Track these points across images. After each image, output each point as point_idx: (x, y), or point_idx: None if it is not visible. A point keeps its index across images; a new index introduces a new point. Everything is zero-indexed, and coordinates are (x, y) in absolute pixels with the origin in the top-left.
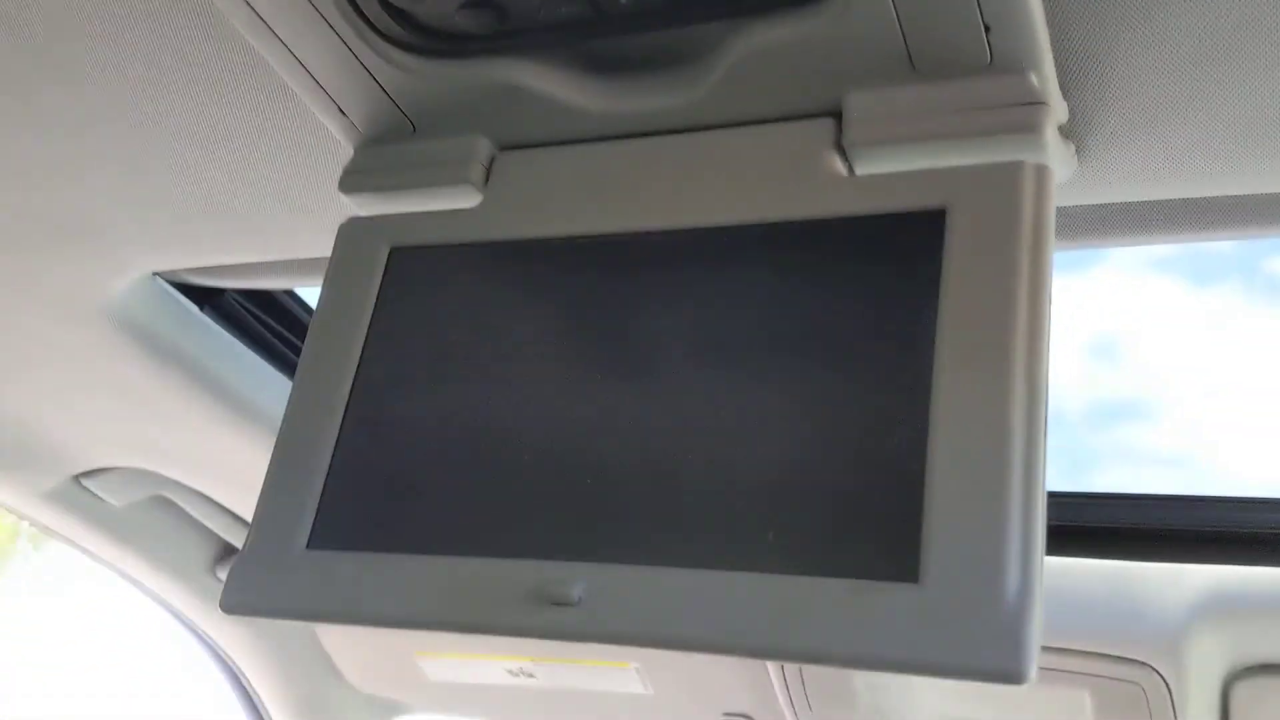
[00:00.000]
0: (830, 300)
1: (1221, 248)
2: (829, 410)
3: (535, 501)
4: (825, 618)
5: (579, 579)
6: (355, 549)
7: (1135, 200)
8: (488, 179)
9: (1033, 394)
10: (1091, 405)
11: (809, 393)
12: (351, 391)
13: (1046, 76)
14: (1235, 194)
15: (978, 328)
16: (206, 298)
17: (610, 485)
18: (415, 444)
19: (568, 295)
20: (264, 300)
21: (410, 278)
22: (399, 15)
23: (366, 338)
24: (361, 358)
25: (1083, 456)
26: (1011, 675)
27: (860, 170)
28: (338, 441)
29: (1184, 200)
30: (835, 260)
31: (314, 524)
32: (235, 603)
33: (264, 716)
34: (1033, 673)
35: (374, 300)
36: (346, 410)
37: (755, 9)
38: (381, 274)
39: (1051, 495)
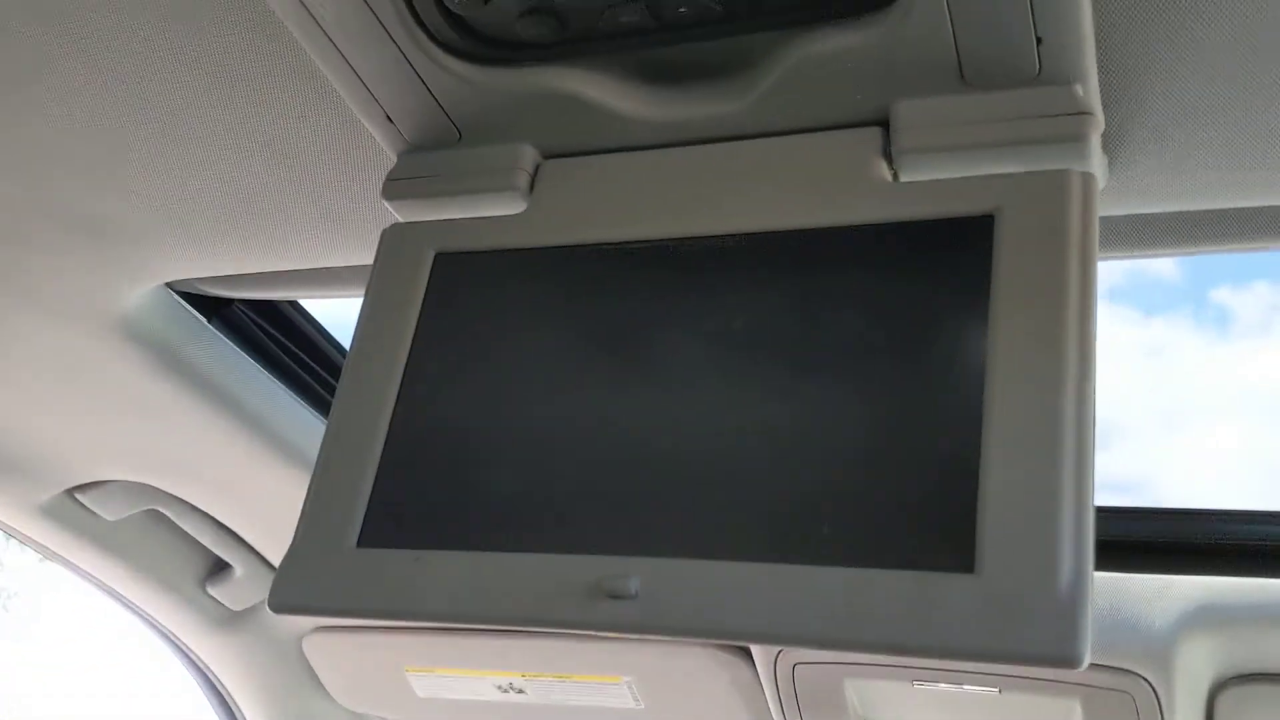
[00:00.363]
0: (881, 301)
1: (1170, 279)
2: (884, 407)
3: (589, 498)
4: (884, 608)
5: (636, 572)
6: (407, 546)
7: (1164, 211)
8: (533, 187)
9: (1083, 393)
10: None
11: (863, 390)
12: (399, 392)
13: (1091, 88)
14: (1261, 205)
15: (1030, 327)
16: (215, 309)
17: (664, 480)
18: (465, 443)
19: (617, 299)
20: (272, 314)
21: (455, 282)
22: (457, 23)
23: (413, 340)
24: (409, 359)
25: None
26: (1067, 659)
27: (906, 177)
28: (387, 440)
29: (1211, 211)
30: (885, 264)
31: (364, 522)
32: (284, 602)
33: None
34: (1088, 657)
35: (420, 304)
36: (395, 410)
37: (813, 18)
38: (427, 278)
39: None
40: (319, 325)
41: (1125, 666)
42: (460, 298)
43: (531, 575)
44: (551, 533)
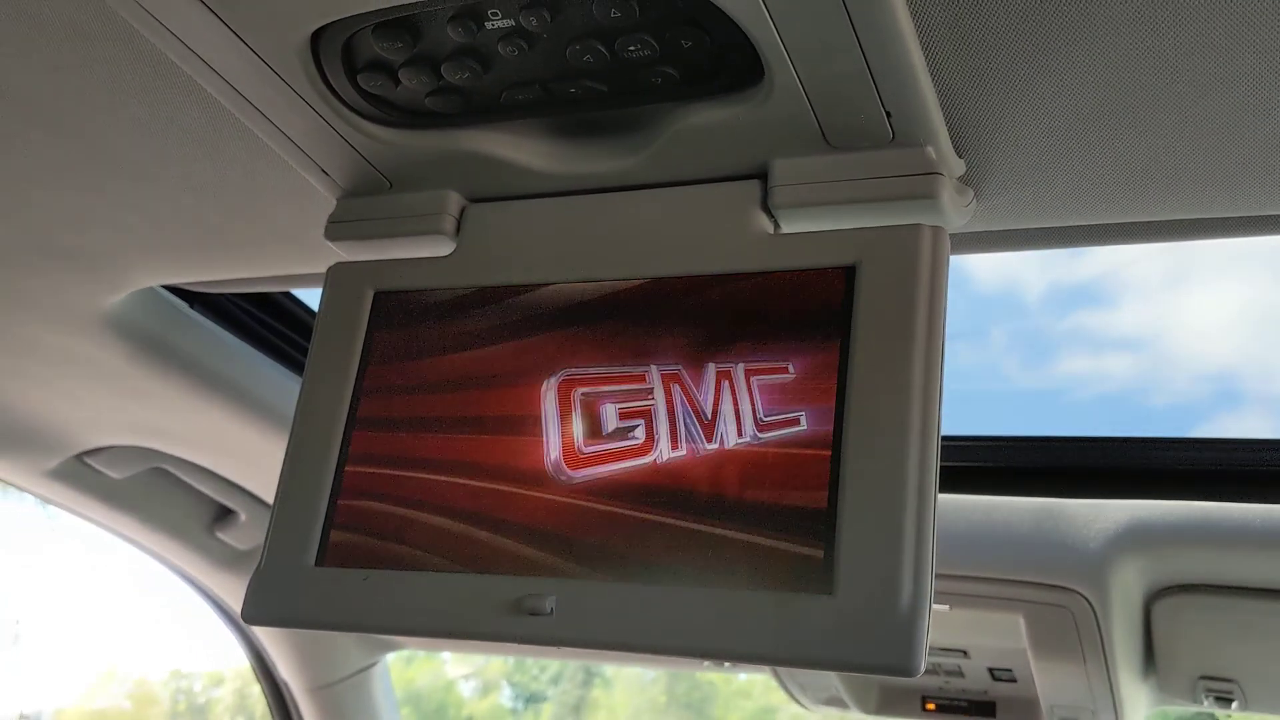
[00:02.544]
0: (756, 345)
1: None
2: (760, 446)
3: (513, 523)
4: (758, 624)
5: (551, 592)
6: (357, 566)
7: (1030, 228)
8: (459, 228)
9: (926, 436)
10: (1051, 290)
11: (745, 426)
12: (347, 423)
13: (942, 147)
14: (1106, 223)
15: (880, 376)
16: (197, 296)
17: (577, 509)
18: (405, 471)
19: (534, 334)
20: (252, 295)
21: (394, 318)
22: (373, 97)
23: (358, 373)
24: (354, 392)
25: (1045, 344)
26: (905, 670)
27: (785, 228)
28: (337, 470)
29: (1074, 227)
30: (763, 307)
31: (320, 545)
32: (255, 615)
33: (264, 655)
34: (922, 667)
35: (363, 339)
36: (343, 439)
37: (687, 96)
38: (368, 315)
39: (982, 440)
40: (295, 298)
41: (1062, 584)
42: (398, 332)
43: (462, 593)
44: (480, 555)
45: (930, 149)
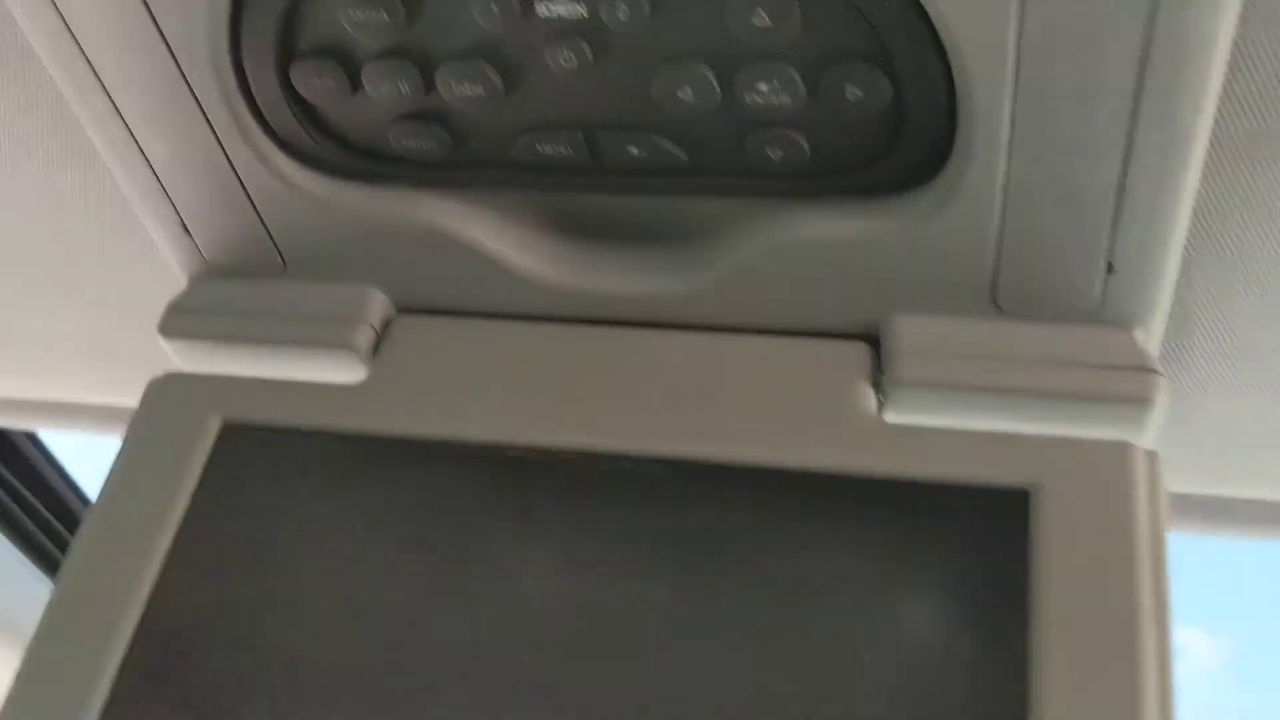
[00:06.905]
0: (851, 598)
1: None
2: None
3: None
4: None
5: None
6: None
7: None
8: (377, 348)
9: None
10: None
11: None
12: (152, 596)
13: (1154, 337)
14: None
15: (1094, 649)
16: None
17: None
18: (223, 674)
19: (465, 524)
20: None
21: (247, 464)
22: (308, 114)
23: (179, 530)
24: (170, 552)
25: None
26: None
27: (896, 417)
28: (130, 649)
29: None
30: (865, 535)
31: None
32: None
33: None
34: None
35: (195, 485)
36: (145, 615)
37: (812, 191)
38: (207, 455)
39: None
40: (56, 463)
41: None
42: (249, 487)
43: None
44: None
45: (1139, 333)
